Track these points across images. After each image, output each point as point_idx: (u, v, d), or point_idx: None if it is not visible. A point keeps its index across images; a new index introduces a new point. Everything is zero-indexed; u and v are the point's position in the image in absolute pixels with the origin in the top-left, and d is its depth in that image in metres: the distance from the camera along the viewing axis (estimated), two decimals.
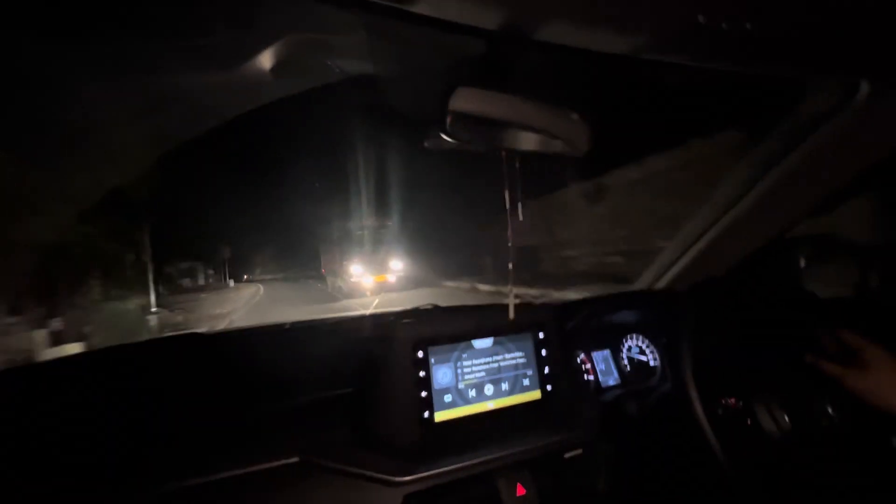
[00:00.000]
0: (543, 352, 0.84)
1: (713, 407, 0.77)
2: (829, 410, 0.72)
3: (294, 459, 0.68)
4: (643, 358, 1.12)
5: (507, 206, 0.78)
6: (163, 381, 0.83)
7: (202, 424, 0.76)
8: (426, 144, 0.80)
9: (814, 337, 0.78)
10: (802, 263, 1.05)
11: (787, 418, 0.73)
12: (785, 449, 0.72)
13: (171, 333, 1.03)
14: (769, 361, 0.84)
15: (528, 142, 0.83)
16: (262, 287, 18.45)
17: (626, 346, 1.13)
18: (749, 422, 0.76)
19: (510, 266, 0.83)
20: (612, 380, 1.08)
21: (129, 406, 0.76)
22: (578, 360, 1.06)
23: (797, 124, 0.88)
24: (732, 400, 0.78)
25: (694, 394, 0.77)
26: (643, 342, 1.13)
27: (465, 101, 0.81)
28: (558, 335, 0.86)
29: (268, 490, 0.66)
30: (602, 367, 1.08)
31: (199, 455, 0.68)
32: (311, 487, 0.67)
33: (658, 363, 1.10)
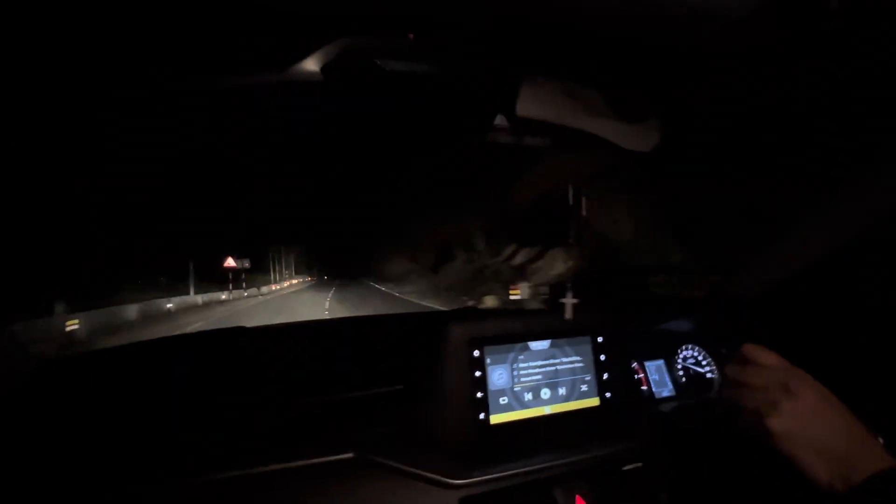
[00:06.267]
0: (602, 357, 0.80)
1: None
2: None
3: (349, 455, 0.66)
4: (699, 370, 1.06)
5: (571, 202, 0.75)
6: (210, 374, 0.83)
7: (255, 416, 0.75)
8: (488, 139, 0.79)
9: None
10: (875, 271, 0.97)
11: (881, 440, 0.66)
12: None
13: (217, 328, 1.04)
14: (849, 375, 0.78)
15: (589, 138, 0.80)
16: None
17: (682, 356, 1.07)
18: None
19: (568, 265, 0.80)
20: (666, 391, 1.03)
21: (181, 398, 0.77)
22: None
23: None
24: None
25: None
26: (699, 353, 1.07)
27: (528, 99, 0.79)
28: (618, 340, 0.82)
29: (322, 484, 0.65)
30: (655, 378, 1.03)
31: (255, 445, 0.67)
32: (364, 483, 0.65)
33: (716, 375, 1.04)
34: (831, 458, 0.48)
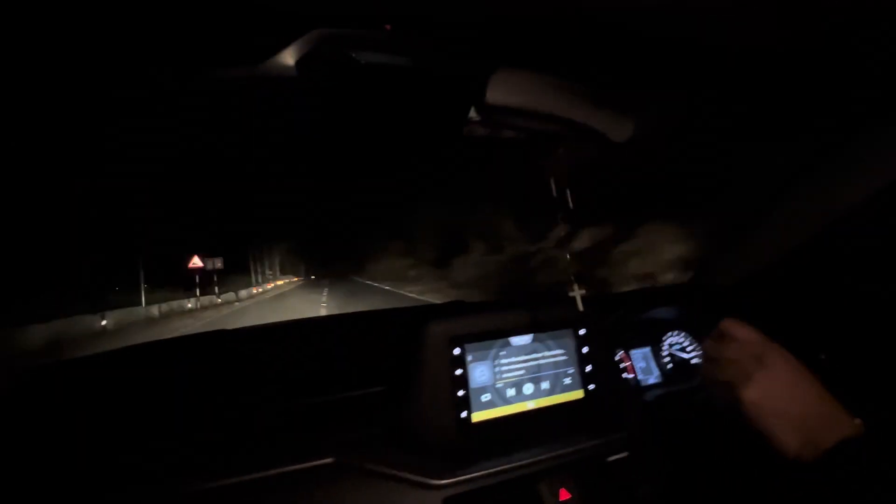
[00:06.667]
0: (585, 349, 0.79)
1: None
2: None
3: (328, 460, 0.65)
4: (685, 356, 1.06)
5: (555, 194, 0.74)
6: (189, 379, 0.82)
7: (231, 422, 0.74)
8: (465, 132, 0.77)
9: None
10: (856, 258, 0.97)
11: (859, 422, 0.67)
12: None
13: (196, 332, 1.02)
14: (832, 361, 0.78)
15: (568, 127, 0.78)
16: None
17: (667, 343, 1.07)
18: None
19: (568, 256, 0.79)
20: (652, 378, 1.03)
21: (156, 405, 0.75)
22: (617, 358, 1.01)
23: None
24: None
25: None
26: (685, 339, 1.07)
27: (502, 89, 0.77)
28: (600, 332, 0.81)
29: (301, 491, 0.64)
30: (642, 365, 1.03)
31: (230, 454, 0.66)
32: (345, 489, 0.65)
33: (701, 361, 1.04)
34: (801, 427, 0.49)
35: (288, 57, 0.88)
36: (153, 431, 0.71)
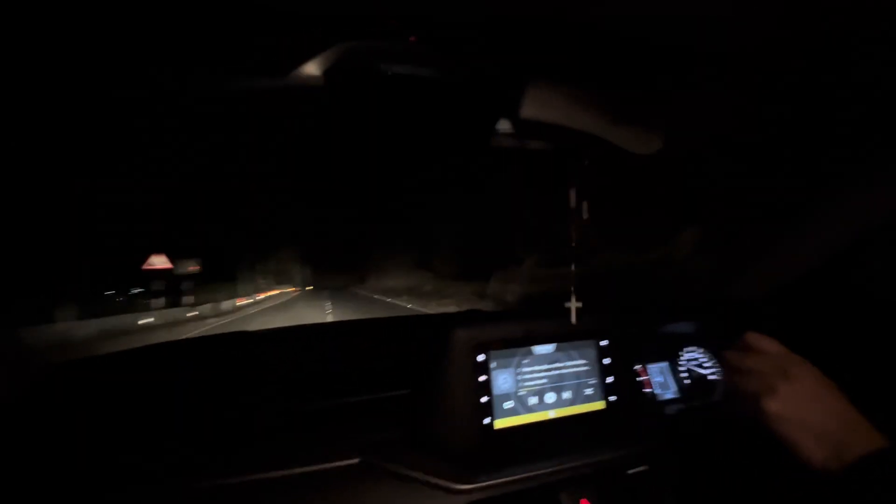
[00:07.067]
0: (607, 360, 0.80)
1: None
2: None
3: (354, 460, 0.66)
4: (703, 372, 1.06)
5: (573, 204, 0.75)
6: (214, 378, 0.83)
7: (256, 423, 0.75)
8: (493, 143, 0.79)
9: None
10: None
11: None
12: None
13: (218, 332, 1.04)
14: (854, 379, 0.78)
15: (597, 140, 0.80)
16: None
17: (685, 357, 1.07)
18: None
19: (572, 268, 0.80)
20: (669, 393, 1.02)
21: (183, 403, 0.77)
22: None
23: None
24: None
25: None
26: (703, 354, 1.07)
27: (534, 100, 0.79)
28: (623, 343, 0.81)
29: (327, 490, 0.65)
30: (659, 380, 1.03)
31: (255, 453, 0.67)
32: (369, 489, 0.65)
33: (719, 377, 1.04)
34: (826, 440, 0.49)
35: (311, 67, 0.90)
36: (186, 428, 0.72)
